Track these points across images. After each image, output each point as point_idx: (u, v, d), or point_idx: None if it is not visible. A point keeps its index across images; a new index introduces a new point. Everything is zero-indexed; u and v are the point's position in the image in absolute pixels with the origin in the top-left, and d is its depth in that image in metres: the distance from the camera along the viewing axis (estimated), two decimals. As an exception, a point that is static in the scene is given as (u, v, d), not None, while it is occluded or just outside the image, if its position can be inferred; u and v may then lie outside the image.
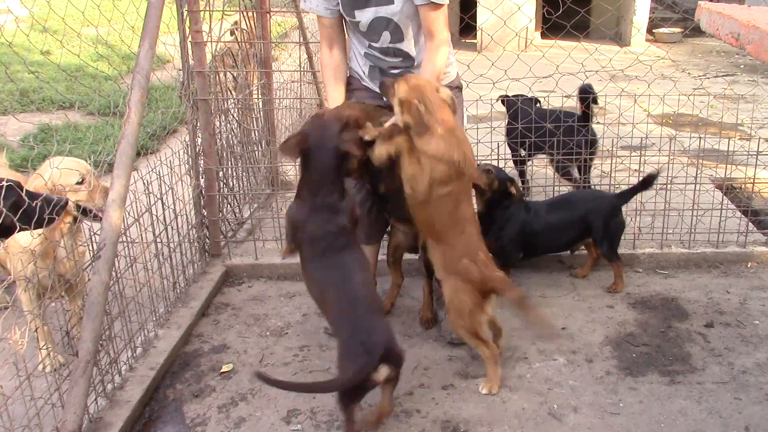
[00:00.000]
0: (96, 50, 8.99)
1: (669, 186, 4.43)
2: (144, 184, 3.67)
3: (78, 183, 3.27)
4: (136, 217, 3.60)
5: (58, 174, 3.16)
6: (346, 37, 3.65)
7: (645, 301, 4.09)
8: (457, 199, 3.19)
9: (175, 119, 6.17)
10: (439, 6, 3.35)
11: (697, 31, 12.47)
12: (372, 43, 3.51)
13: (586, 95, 4.73)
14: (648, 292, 4.19)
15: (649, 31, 11.88)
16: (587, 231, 4.15)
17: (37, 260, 3.20)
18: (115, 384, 3.32)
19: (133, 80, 3.36)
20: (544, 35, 11.66)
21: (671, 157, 4.42)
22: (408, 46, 3.51)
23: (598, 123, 6.20)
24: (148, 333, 3.67)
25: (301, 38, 5.99)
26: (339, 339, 2.93)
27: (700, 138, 4.53)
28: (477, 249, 3.26)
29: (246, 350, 3.73)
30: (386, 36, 3.46)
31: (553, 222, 4.12)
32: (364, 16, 3.40)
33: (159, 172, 3.85)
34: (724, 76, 9.44)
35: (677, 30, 11.92)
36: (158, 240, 3.84)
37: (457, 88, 3.76)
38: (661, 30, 11.95)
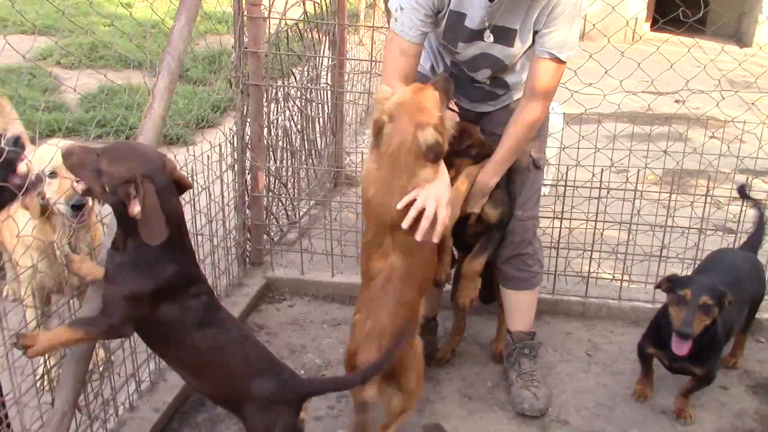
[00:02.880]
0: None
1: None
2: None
3: (50, 176, 2.66)
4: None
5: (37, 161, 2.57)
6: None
7: (768, 385, 3.29)
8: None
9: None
10: (559, 63, 2.67)
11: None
12: (466, 71, 2.86)
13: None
14: (773, 370, 3.38)
15: (775, 31, 10.67)
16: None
17: (35, 256, 2.69)
18: (108, 430, 2.74)
19: (161, 62, 2.74)
20: (653, 27, 10.64)
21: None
22: (510, 78, 2.88)
23: (712, 137, 5.32)
24: (159, 362, 3.09)
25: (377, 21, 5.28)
26: None
27: None
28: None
29: (273, 392, 3.11)
30: (486, 72, 2.82)
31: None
32: (469, 50, 2.73)
33: (192, 168, 3.24)
34: None
35: (808, 33, 10.68)
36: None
37: None
38: (789, 32, 10.71)
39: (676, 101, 6.98)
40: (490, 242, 2.93)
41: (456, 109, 2.95)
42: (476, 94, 2.93)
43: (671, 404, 3.10)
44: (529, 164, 2.95)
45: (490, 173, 2.78)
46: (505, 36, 2.65)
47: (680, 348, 2.76)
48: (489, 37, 2.64)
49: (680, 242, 3.79)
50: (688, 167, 4.02)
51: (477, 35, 2.65)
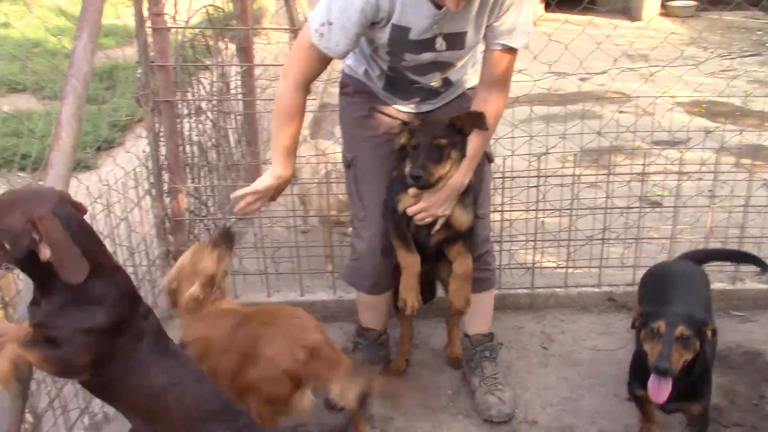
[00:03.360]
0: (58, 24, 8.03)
1: (747, 203, 3.59)
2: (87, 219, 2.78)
3: None
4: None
5: None
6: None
7: (724, 357, 3.26)
8: None
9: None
10: (515, 51, 2.55)
11: (711, 4, 11.59)
12: (411, 75, 2.69)
13: None
14: (725, 343, 3.35)
15: (661, 4, 10.99)
16: None
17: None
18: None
19: (66, 86, 2.46)
20: (548, 8, 10.76)
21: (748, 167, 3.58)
22: (455, 75, 2.74)
23: (622, 112, 5.37)
24: (94, 416, 2.80)
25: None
26: None
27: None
28: None
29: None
30: (436, 75, 2.67)
31: None
32: (420, 59, 2.55)
33: (107, 199, 2.96)
34: (750, 55, 8.60)
35: (691, 3, 11.04)
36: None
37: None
38: (674, 2, 11.05)
39: (581, 79, 7.07)
40: (468, 242, 2.76)
41: (400, 116, 2.78)
42: (416, 95, 2.76)
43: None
44: (483, 160, 2.82)
45: (463, 172, 2.60)
46: (455, 40, 2.50)
47: (659, 393, 2.37)
48: (441, 45, 2.48)
49: (619, 221, 3.76)
50: (603, 144, 3.98)
51: (425, 45, 2.48)
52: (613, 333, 3.46)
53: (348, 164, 2.85)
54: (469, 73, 2.76)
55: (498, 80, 2.57)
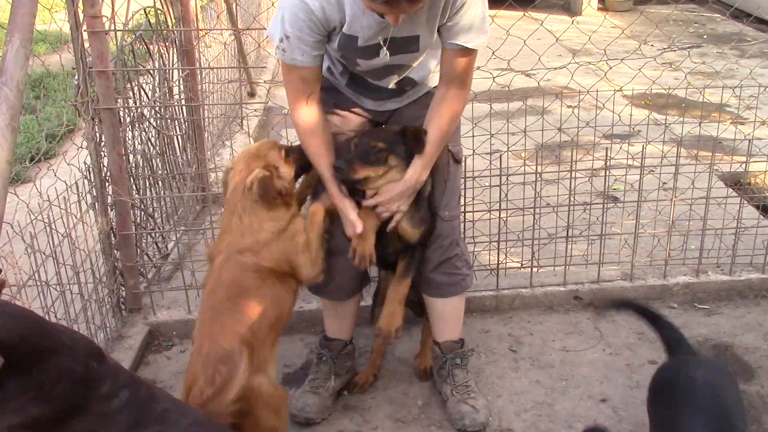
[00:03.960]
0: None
1: (708, 195, 3.56)
2: (28, 238, 2.59)
3: None
4: (17, 285, 2.53)
5: None
6: None
7: (694, 352, 3.23)
8: None
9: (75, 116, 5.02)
10: (472, 52, 2.46)
11: (645, -2, 11.74)
12: (368, 79, 2.63)
13: None
14: (693, 336, 3.31)
15: (599, -1, 11.10)
16: None
17: None
18: None
19: (-4, 95, 2.26)
20: (491, 4, 10.75)
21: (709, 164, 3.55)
22: (416, 74, 2.66)
23: (569, 107, 5.33)
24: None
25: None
26: None
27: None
28: None
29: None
30: (392, 78, 2.61)
31: None
32: (371, 64, 2.50)
33: (49, 216, 2.76)
34: (690, 47, 8.70)
35: (628, -3, 11.17)
36: (50, 311, 2.76)
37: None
38: (612, -3, 11.16)
39: (528, 75, 7.05)
40: (413, 262, 2.70)
41: (364, 114, 2.67)
42: (380, 94, 2.67)
43: (611, 391, 2.98)
44: (448, 159, 2.72)
45: (419, 168, 2.54)
46: (407, 44, 2.43)
47: None
48: (386, 55, 2.41)
49: (581, 218, 3.70)
50: (556, 140, 3.93)
51: (373, 51, 2.41)
52: (582, 332, 3.39)
53: None
54: (434, 71, 2.66)
55: (456, 78, 2.51)
